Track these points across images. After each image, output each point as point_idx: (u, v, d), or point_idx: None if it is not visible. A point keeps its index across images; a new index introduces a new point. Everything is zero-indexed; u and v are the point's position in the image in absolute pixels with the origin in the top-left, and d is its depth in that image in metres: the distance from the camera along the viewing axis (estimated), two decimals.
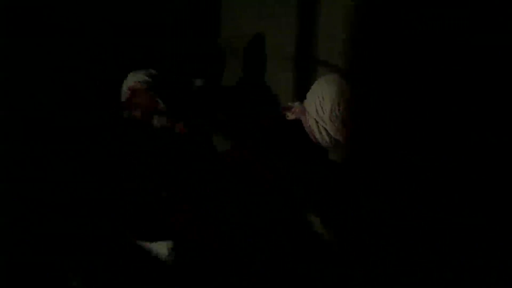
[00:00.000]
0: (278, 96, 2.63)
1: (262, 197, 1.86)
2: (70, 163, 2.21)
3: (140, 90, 2.18)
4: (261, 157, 1.86)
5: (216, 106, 2.60)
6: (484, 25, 1.95)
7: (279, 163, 1.84)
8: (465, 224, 1.90)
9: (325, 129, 1.75)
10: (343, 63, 2.23)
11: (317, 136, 1.77)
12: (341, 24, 2.24)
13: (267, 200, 1.85)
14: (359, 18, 2.20)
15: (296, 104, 1.84)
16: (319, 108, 1.73)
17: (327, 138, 1.76)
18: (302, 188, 1.83)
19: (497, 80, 1.96)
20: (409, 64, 2.08)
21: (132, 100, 2.20)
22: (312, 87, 1.80)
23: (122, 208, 2.05)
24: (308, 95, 1.80)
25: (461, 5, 1.95)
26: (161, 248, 1.96)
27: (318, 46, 2.40)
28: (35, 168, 2.24)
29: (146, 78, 2.19)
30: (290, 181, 1.83)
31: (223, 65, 2.86)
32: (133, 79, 2.20)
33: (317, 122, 1.76)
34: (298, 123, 1.82)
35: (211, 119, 2.40)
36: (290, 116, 1.83)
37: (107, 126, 2.28)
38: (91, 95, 2.52)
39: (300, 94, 1.88)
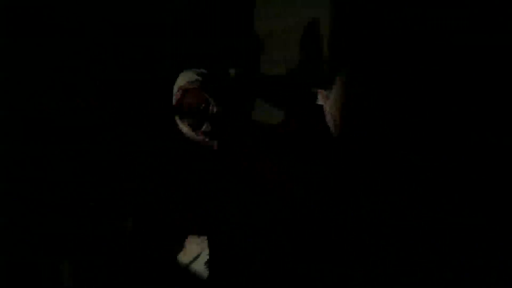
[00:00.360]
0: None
1: (263, 197, 1.86)
2: (70, 163, 2.21)
3: (191, 90, 2.09)
4: (263, 157, 1.88)
5: (251, 97, 2.54)
6: (483, 24, 1.95)
7: (281, 164, 1.85)
8: (465, 224, 1.89)
9: (334, 117, 1.90)
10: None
11: (327, 119, 1.91)
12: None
13: (268, 200, 1.85)
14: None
15: (326, 92, 1.98)
16: (331, 96, 1.92)
17: (332, 125, 1.91)
18: (303, 188, 1.84)
19: (497, 79, 1.95)
20: (409, 63, 2.09)
21: (183, 101, 2.10)
22: None
23: (123, 208, 2.05)
24: None
25: (460, 4, 1.95)
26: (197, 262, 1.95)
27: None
28: (35, 168, 2.23)
29: (197, 77, 2.08)
30: (291, 182, 1.84)
31: (258, 58, 2.79)
32: (184, 79, 2.10)
33: (330, 109, 1.91)
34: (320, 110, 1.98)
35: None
36: (320, 100, 2.00)
37: (107, 126, 2.27)
38: (91, 95, 2.52)
39: None
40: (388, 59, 2.17)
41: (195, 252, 1.97)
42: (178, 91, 2.10)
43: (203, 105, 2.06)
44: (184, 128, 2.10)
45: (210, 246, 1.92)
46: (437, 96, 2.05)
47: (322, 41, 2.52)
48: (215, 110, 2.06)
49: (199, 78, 2.08)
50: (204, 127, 2.08)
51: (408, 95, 2.09)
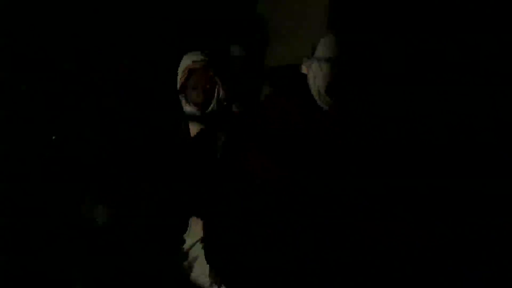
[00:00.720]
0: None
1: (263, 196, 1.86)
2: (71, 163, 2.21)
3: (197, 69, 2.06)
4: (263, 156, 1.88)
5: (256, 79, 2.52)
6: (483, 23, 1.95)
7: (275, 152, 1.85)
8: (466, 224, 1.89)
9: (318, 86, 1.84)
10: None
11: (311, 89, 1.86)
12: None
13: (269, 199, 1.85)
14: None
15: (308, 61, 1.94)
16: (313, 65, 1.87)
17: (317, 93, 1.86)
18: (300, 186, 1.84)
19: (496, 77, 1.96)
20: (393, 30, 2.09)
21: (189, 81, 2.09)
22: None
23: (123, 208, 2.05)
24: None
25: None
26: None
27: None
28: (35, 168, 2.24)
29: (203, 57, 2.06)
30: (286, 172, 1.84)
31: (264, 40, 2.76)
32: (189, 59, 2.08)
33: (314, 77, 1.86)
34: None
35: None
36: (303, 69, 1.96)
37: (107, 125, 2.28)
38: (92, 94, 2.52)
39: None
40: (371, 27, 2.16)
41: (199, 235, 1.97)
42: (184, 71, 2.08)
43: (209, 86, 2.05)
44: (190, 108, 2.09)
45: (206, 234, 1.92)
46: (421, 58, 2.05)
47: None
48: (221, 89, 2.05)
49: (205, 57, 2.07)
50: (210, 107, 2.07)
51: (391, 60, 2.08)
